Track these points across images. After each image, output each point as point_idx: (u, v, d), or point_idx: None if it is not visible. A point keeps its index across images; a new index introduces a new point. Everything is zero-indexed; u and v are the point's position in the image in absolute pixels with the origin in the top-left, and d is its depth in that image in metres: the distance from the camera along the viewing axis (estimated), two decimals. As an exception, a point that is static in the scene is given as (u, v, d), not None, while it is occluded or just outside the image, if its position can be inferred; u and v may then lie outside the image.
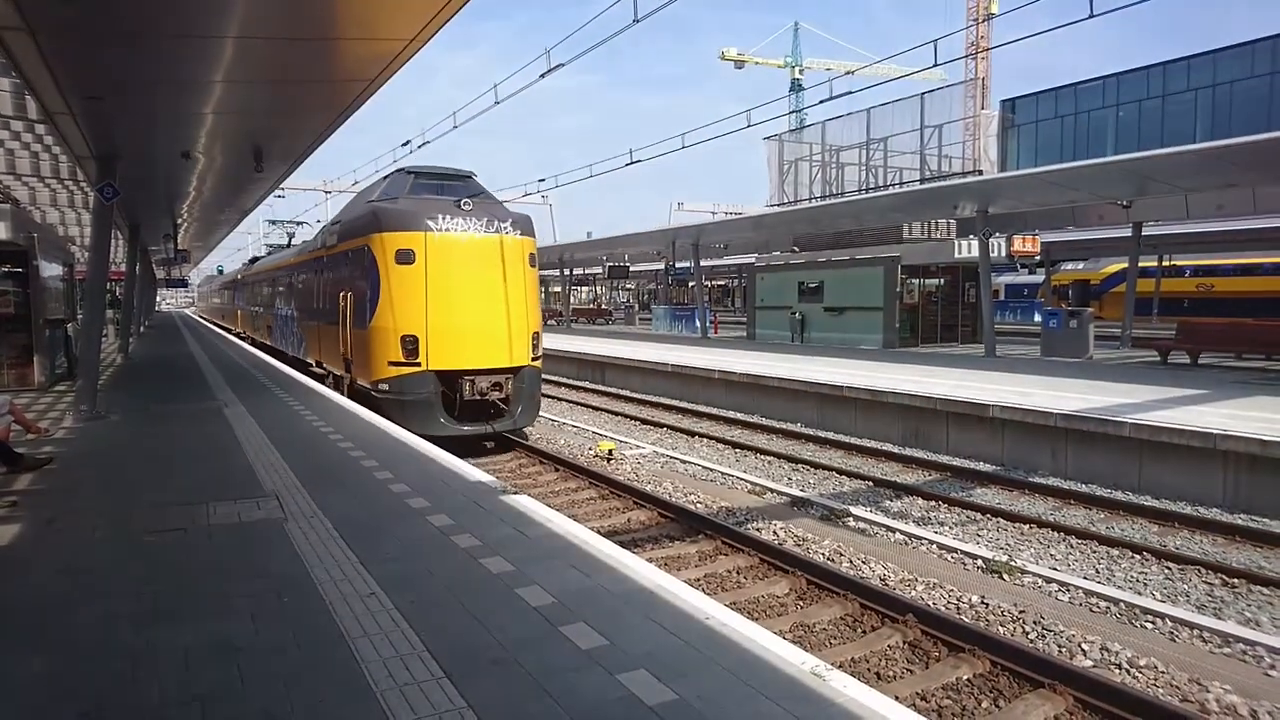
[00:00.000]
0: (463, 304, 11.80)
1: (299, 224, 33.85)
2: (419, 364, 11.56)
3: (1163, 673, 5.03)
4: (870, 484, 10.12)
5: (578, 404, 17.48)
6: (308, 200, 54.01)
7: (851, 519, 8.56)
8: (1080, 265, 36.50)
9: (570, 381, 21.42)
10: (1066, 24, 9.88)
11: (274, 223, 36.23)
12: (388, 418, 10.78)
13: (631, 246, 34.90)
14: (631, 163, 16.73)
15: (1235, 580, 6.64)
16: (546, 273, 55.21)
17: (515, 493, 6.82)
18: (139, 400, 12.66)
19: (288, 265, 20.64)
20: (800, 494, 9.52)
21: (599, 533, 6.21)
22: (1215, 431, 8.84)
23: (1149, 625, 5.86)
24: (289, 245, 27.24)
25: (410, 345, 11.57)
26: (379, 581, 4.66)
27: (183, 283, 54.95)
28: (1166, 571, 6.93)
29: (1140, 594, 6.41)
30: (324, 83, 8.65)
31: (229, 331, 35.87)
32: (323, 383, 15.00)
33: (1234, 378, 13.93)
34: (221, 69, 7.91)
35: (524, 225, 12.73)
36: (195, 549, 5.35)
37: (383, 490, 6.86)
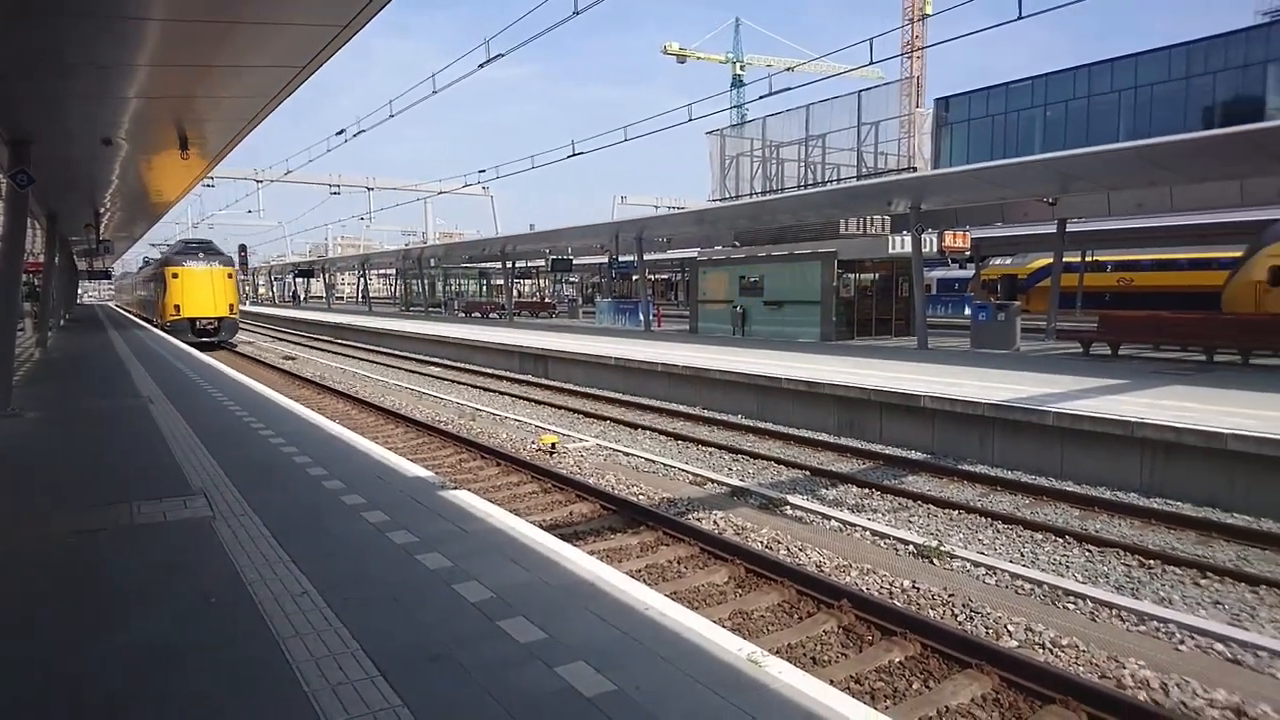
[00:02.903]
0: (196, 292, 30.24)
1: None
2: (180, 314, 29.85)
3: (1083, 651, 5.26)
4: (807, 473, 10.32)
5: (520, 398, 17.35)
6: (238, 190, 52.15)
7: (789, 507, 8.71)
8: (1008, 260, 37.72)
9: (513, 375, 21.26)
10: (997, 24, 10.21)
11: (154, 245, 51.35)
12: (175, 335, 25.57)
13: (575, 240, 34.75)
14: (574, 154, 16.66)
15: (1151, 561, 6.96)
16: (488, 265, 54.63)
17: (455, 488, 6.76)
18: (58, 397, 12.11)
19: (145, 275, 43.99)
20: (740, 484, 9.64)
21: (541, 527, 6.20)
22: (1133, 420, 9.26)
23: (1071, 606, 6.12)
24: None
25: (176, 308, 29.95)
26: (311, 580, 4.57)
27: (106, 274, 52.62)
28: (1087, 554, 7.24)
29: (1063, 576, 6.68)
30: (254, 68, 8.38)
31: (139, 317, 42.92)
32: (150, 323, 34.22)
33: (1151, 368, 14.61)
34: (145, 52, 7.59)
35: (227, 260, 32.47)
36: (118, 550, 5.15)
37: (316, 487, 6.71)
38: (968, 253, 28.68)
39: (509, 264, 41.30)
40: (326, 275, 71.31)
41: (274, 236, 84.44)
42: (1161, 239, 29.46)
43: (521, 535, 5.42)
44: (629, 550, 7.25)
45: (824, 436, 12.55)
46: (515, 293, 49.50)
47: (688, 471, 10.35)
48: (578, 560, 4.92)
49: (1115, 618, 5.88)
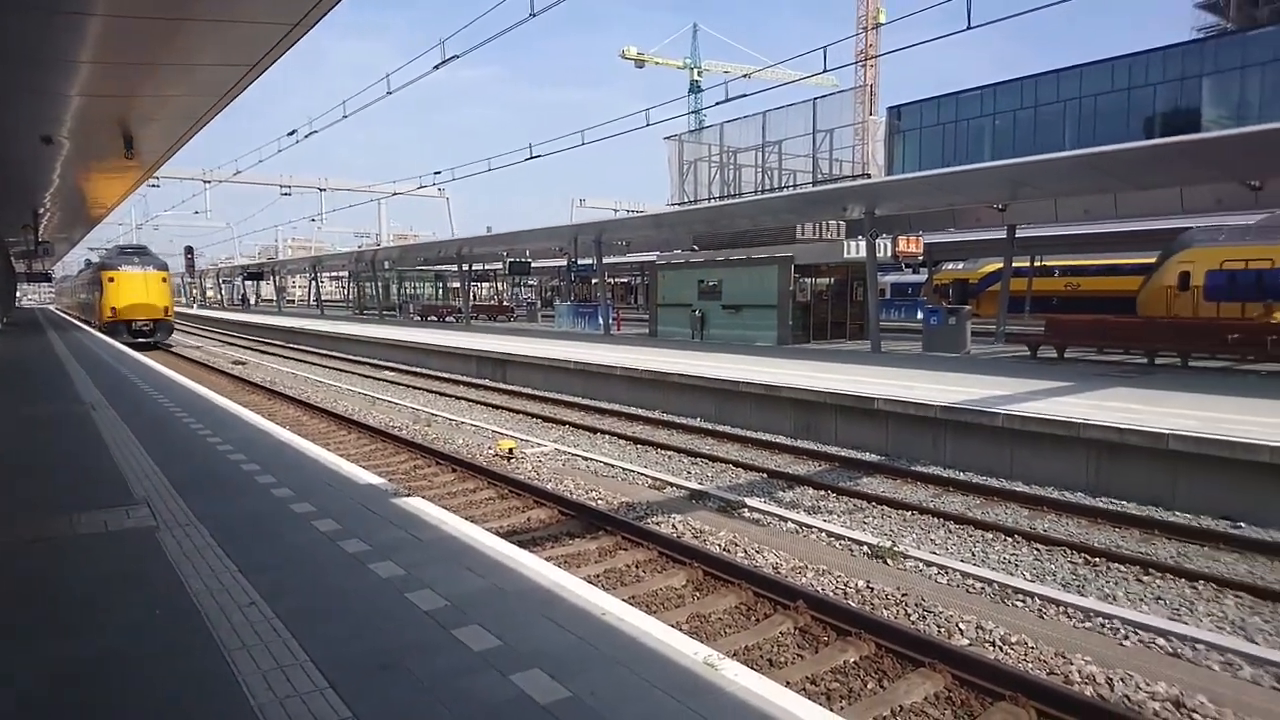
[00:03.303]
0: (132, 295, 30.92)
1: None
2: (116, 316, 30.42)
3: (1032, 648, 5.38)
4: (765, 475, 10.40)
5: (478, 403, 17.18)
6: (185, 190, 50.72)
7: (747, 510, 8.77)
8: (960, 265, 38.56)
9: (470, 380, 21.06)
10: (947, 34, 10.43)
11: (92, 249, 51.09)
12: (111, 337, 27.01)
13: (533, 242, 34.59)
14: (531, 157, 16.58)
15: (1096, 559, 7.16)
16: (444, 268, 54.05)
17: (408, 495, 6.66)
18: (-9, 404, 11.64)
19: (84, 279, 43.06)
20: (699, 487, 9.68)
21: (497, 533, 6.14)
22: (1078, 421, 9.52)
23: (1020, 604, 6.26)
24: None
25: (113, 310, 30.55)
26: (259, 590, 4.45)
27: (46, 277, 50.87)
28: (1036, 553, 7.41)
29: (1012, 574, 6.83)
30: (202, 66, 8.18)
31: (80, 320, 42.93)
32: (89, 325, 34.94)
33: (1096, 370, 15.05)
34: (88, 48, 7.35)
35: (161, 265, 33.35)
36: (57, 562, 4.96)
37: (265, 495, 6.55)
38: (921, 258, 29.28)
39: (465, 267, 40.93)
40: (277, 278, 69.84)
41: (223, 238, 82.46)
42: (1107, 245, 30.39)
43: (477, 542, 5.36)
44: (587, 555, 7.21)
45: (782, 439, 12.66)
46: (472, 296, 49.09)
47: (647, 475, 10.35)
48: (534, 566, 4.88)
49: (1062, 615, 6.03)
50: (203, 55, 7.86)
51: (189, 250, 57.50)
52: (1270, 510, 8.03)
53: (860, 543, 7.60)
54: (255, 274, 65.94)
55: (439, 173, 21.57)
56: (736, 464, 10.99)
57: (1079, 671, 5.02)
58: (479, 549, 5.22)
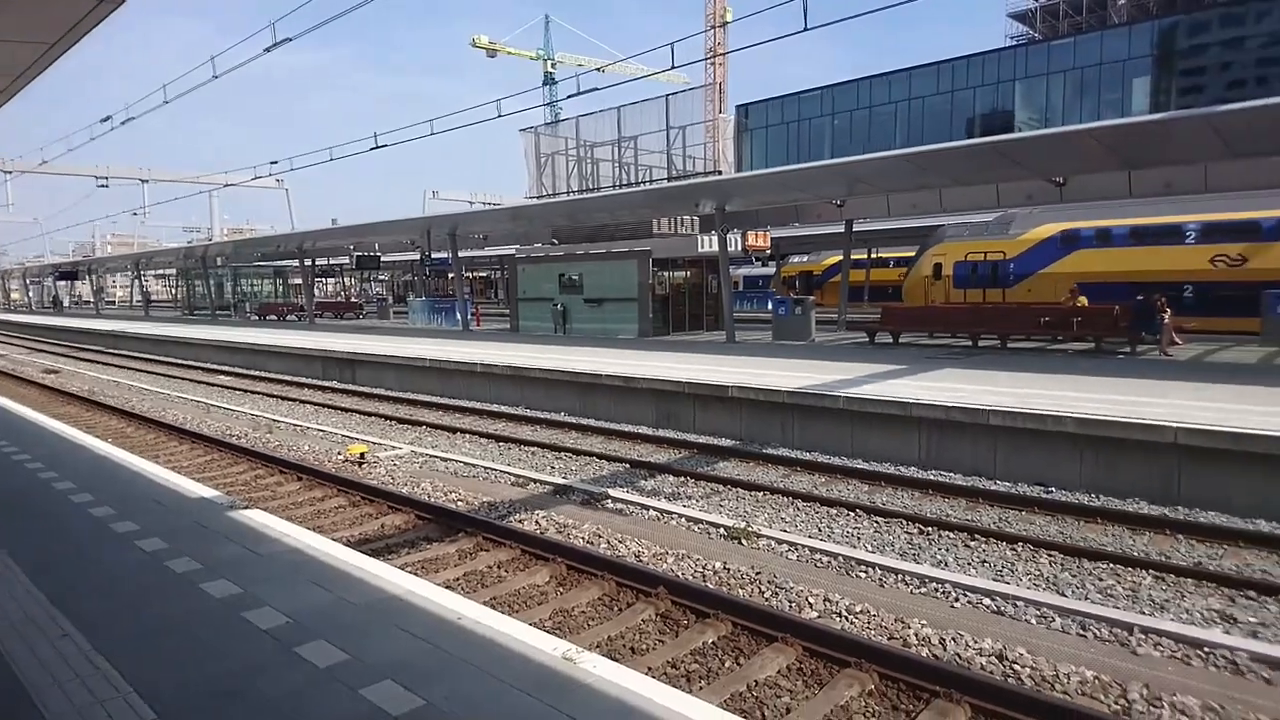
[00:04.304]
0: None
1: None
2: None
3: (874, 615, 5.73)
4: (627, 466, 10.51)
5: (325, 406, 16.31)
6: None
7: (610, 501, 8.83)
8: (805, 258, 40.52)
9: (315, 382, 19.97)
10: (785, 35, 10.87)
11: None
12: None
13: (383, 235, 33.17)
14: (376, 147, 15.87)
15: (929, 529, 7.72)
16: (285, 263, 50.97)
17: (247, 507, 6.23)
18: None
19: None
20: (563, 481, 9.64)
21: (347, 543, 5.87)
22: (911, 400, 10.25)
23: (863, 574, 6.66)
24: None
25: None
26: (74, 620, 4.03)
27: None
28: (876, 525, 7.91)
29: (855, 547, 7.26)
30: (-14, 40, 7.24)
31: None
32: None
33: (927, 353, 16.25)
34: None
35: None
36: None
37: (81, 515, 5.94)
38: (769, 251, 30.49)
39: (309, 262, 38.76)
40: (95, 277, 63.46)
41: (30, 234, 73.99)
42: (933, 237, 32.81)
43: (323, 554, 5.08)
44: (446, 560, 7.02)
45: (643, 429, 12.84)
46: (317, 293, 46.56)
47: (509, 473, 10.20)
48: (386, 575, 4.69)
49: (900, 582, 6.46)
50: (-12, 28, 6.97)
51: (-17, 247, 51.12)
52: (1074, 474, 8.97)
53: (717, 525, 7.83)
54: (69, 273, 59.67)
55: (275, 163, 20.23)
56: (600, 456, 11.05)
57: (915, 634, 5.40)
58: (325, 561, 4.96)
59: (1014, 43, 52.26)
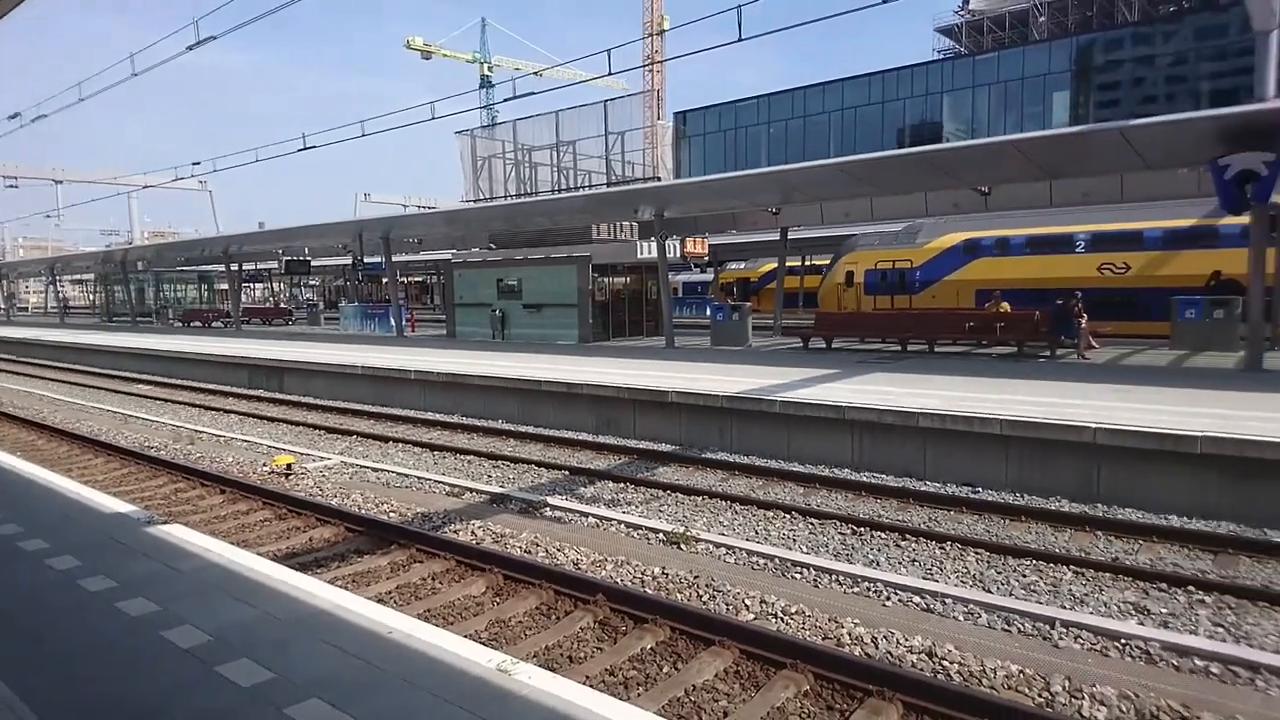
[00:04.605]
0: None
1: None
2: None
3: (809, 616, 5.81)
4: (567, 473, 10.44)
5: (250, 415, 15.76)
6: None
7: (549, 509, 8.75)
8: (742, 265, 41.04)
9: (240, 391, 19.29)
10: (721, 45, 11.03)
11: None
12: None
13: (313, 239, 32.27)
14: (305, 148, 15.44)
15: (862, 530, 7.87)
16: (210, 268, 49.23)
17: (165, 522, 5.96)
18: None
19: None
20: (500, 490, 9.52)
21: (273, 557, 5.67)
22: (844, 404, 10.45)
23: (798, 575, 6.74)
24: None
25: None
26: (-31, 650, 3.77)
27: None
28: (811, 527, 8.03)
29: (791, 549, 7.35)
30: None
31: None
32: None
33: (858, 358, 16.61)
34: None
35: None
36: None
37: (-20, 536, 5.58)
38: (707, 258, 30.79)
39: (235, 266, 37.49)
40: (6, 283, 60.13)
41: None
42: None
43: (247, 569, 4.89)
44: (378, 572, 6.84)
45: (584, 436, 12.78)
46: (244, 298, 45.07)
47: (445, 483, 10.02)
48: (314, 590, 4.54)
49: (834, 582, 6.57)
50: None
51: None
52: (1000, 475, 9.28)
53: (657, 530, 7.83)
54: (-26, 279, 56.33)
55: (198, 163, 19.49)
56: (539, 464, 10.94)
57: (849, 634, 5.49)
58: (250, 576, 4.77)
59: (941, 56, 54.05)
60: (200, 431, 13.92)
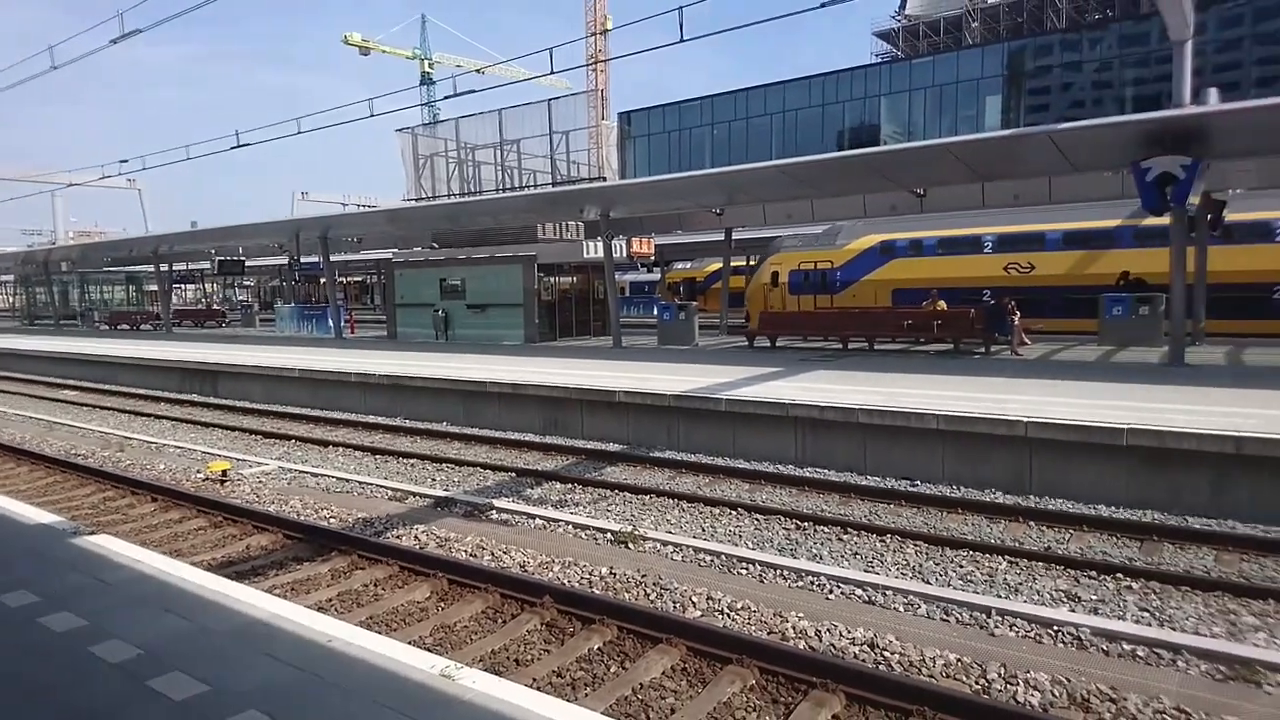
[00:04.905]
0: None
1: None
2: None
3: (755, 611, 5.88)
4: (513, 475, 10.36)
5: (183, 421, 15.23)
6: None
7: (495, 511, 8.67)
8: (688, 265, 41.29)
9: (172, 396, 18.63)
10: (663, 45, 11.10)
11: None
12: None
13: (248, 239, 31.33)
14: (238, 145, 14.99)
15: (806, 524, 8.00)
16: (139, 269, 47.40)
17: (92, 532, 5.72)
18: None
19: None
20: (444, 494, 9.39)
21: (207, 567, 5.50)
22: (787, 401, 10.60)
23: (744, 571, 6.82)
24: None
25: None
26: (-125, 673, 3.57)
27: None
28: (756, 523, 8.12)
29: (736, 545, 7.43)
30: None
31: None
32: None
33: (801, 356, 16.87)
34: None
35: None
36: None
37: (-113, 552, 5.28)
38: (654, 258, 30.90)
39: (165, 267, 36.19)
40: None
41: None
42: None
43: (180, 580, 4.73)
44: (318, 580, 6.68)
45: (530, 437, 12.70)
46: (175, 300, 43.54)
47: (387, 487, 9.84)
48: (250, 600, 4.41)
49: (779, 577, 6.66)
50: None
51: None
52: (937, 468, 9.53)
53: (604, 530, 7.83)
54: (-121, 280, 53.10)
55: (125, 161, 18.75)
56: (485, 466, 10.83)
57: (793, 627, 5.58)
58: (183, 587, 4.61)
59: (879, 60, 55.23)
60: (130, 438, 13.40)
